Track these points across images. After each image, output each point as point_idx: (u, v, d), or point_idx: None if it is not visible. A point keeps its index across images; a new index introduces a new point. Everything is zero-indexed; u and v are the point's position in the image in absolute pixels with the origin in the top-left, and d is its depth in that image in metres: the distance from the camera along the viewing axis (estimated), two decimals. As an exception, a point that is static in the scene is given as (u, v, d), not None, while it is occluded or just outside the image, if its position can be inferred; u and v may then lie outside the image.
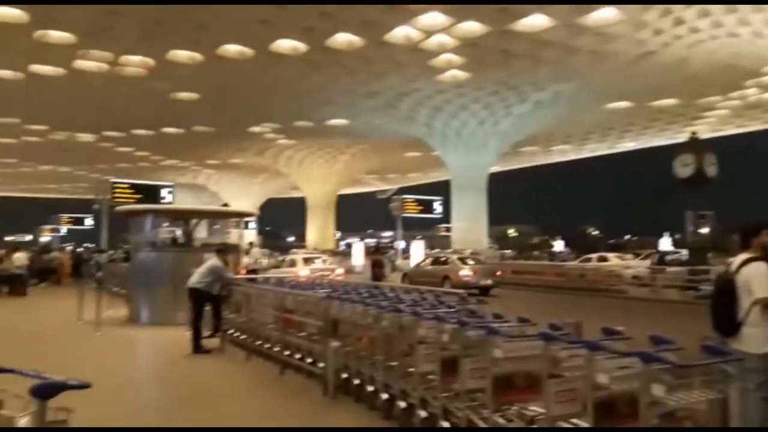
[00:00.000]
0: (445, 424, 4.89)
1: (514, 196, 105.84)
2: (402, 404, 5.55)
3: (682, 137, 27.37)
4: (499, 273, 22.19)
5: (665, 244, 38.82)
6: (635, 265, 25.38)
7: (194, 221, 14.55)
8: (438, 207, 31.09)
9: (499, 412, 4.68)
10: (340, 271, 21.96)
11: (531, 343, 4.35)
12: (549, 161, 48.17)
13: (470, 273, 20.28)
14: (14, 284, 19.72)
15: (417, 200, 29.76)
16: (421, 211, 30.69)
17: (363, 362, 6.41)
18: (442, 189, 37.74)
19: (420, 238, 36.67)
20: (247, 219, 16.65)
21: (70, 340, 6.03)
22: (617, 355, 3.59)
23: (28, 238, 70.02)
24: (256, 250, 23.25)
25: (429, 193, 34.08)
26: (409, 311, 5.55)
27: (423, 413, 5.21)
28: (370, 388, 6.17)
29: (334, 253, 34.42)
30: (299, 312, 8.00)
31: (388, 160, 43.83)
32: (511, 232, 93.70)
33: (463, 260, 21.63)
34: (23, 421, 2.55)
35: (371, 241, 70.90)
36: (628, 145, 42.50)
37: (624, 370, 3.50)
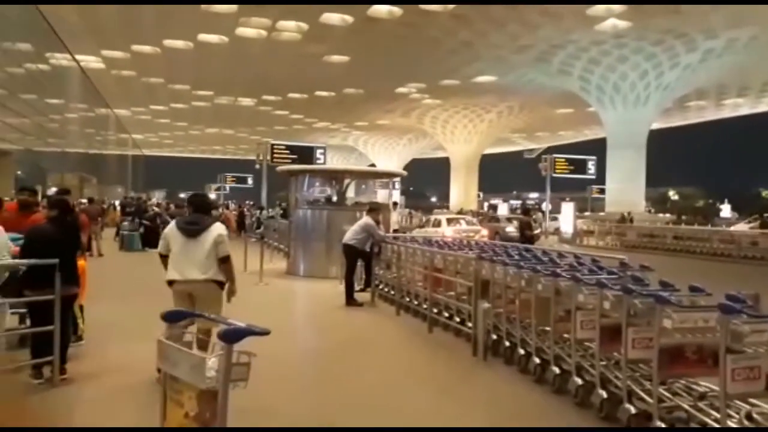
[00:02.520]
0: (602, 393, 4.75)
1: (677, 156, 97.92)
2: (556, 369, 5.46)
3: None
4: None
5: None
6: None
7: (347, 181, 15.05)
8: (591, 167, 29.47)
9: (664, 385, 4.47)
10: (484, 232, 21.78)
11: (705, 314, 4.05)
12: (719, 116, 43.73)
13: (513, 229, 22.03)
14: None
15: (568, 159, 28.41)
16: (572, 171, 29.29)
17: (514, 325, 6.36)
18: (595, 148, 35.79)
19: (569, 200, 35.26)
20: (394, 179, 16.91)
21: (238, 288, 6.61)
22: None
23: (197, 195, 77.22)
24: (398, 211, 23.80)
25: (580, 153, 32.37)
26: (567, 275, 5.36)
27: (578, 380, 5.09)
28: (522, 352, 6.13)
29: (478, 214, 34.15)
30: (448, 271, 8.08)
31: (536, 118, 42.29)
32: (672, 194, 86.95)
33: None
34: (212, 361, 2.82)
35: (515, 203, 69.35)
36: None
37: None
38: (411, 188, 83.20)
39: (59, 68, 26.43)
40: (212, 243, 5.46)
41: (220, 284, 5.50)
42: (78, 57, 27.98)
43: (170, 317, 3.25)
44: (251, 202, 46.79)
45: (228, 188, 41.34)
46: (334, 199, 14.80)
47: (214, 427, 2.78)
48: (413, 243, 10.64)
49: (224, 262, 5.50)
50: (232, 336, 2.74)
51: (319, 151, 24.93)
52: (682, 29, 24.04)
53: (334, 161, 53.53)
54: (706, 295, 4.41)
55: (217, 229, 5.58)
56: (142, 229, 19.16)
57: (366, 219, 10.69)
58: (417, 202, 67.64)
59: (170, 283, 5.45)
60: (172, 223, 5.74)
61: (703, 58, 26.19)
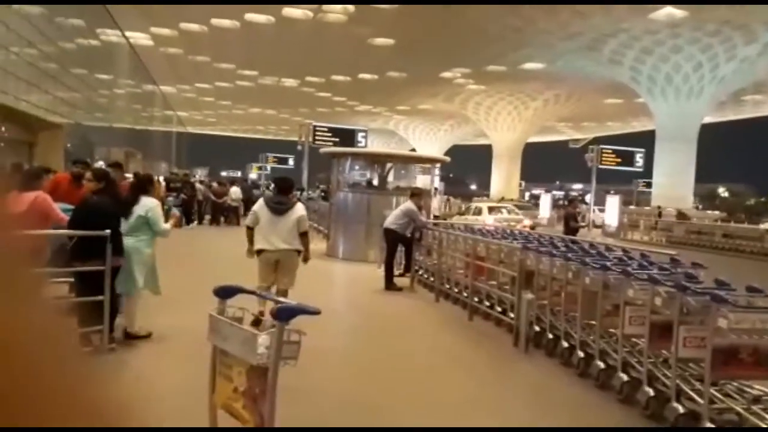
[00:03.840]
0: (649, 390, 4.67)
1: (728, 151, 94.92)
2: (600, 364, 5.39)
3: None
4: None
5: None
6: None
7: (389, 165, 15.09)
8: (639, 160, 28.77)
9: (716, 387, 4.37)
10: (526, 222, 21.54)
11: (763, 315, 3.94)
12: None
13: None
14: (230, 215, 22.28)
15: (616, 151, 27.76)
16: (618, 164, 28.63)
17: (558, 317, 6.30)
18: (642, 140, 34.90)
19: (614, 193, 34.55)
20: (436, 165, 16.81)
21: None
22: None
23: (238, 174, 78.31)
24: (438, 197, 23.70)
25: (626, 145, 31.62)
26: (616, 269, 5.27)
27: (624, 376, 5.02)
28: (565, 345, 6.06)
29: (519, 203, 33.83)
30: (491, 260, 8.05)
31: (584, 107, 41.47)
32: (721, 191, 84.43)
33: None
34: (263, 338, 2.86)
35: (558, 193, 68.37)
36: None
37: None
38: (450, 175, 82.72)
39: (109, 44, 26.98)
40: (295, 219, 6.83)
41: (298, 252, 6.90)
42: (127, 33, 28.54)
43: (223, 293, 3.30)
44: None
45: (269, 168, 41.73)
46: (375, 182, 14.84)
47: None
48: (455, 230, 10.64)
49: (304, 235, 6.92)
50: (285, 314, 2.78)
51: (360, 134, 24.91)
52: (742, 20, 23.17)
53: (374, 145, 53.52)
54: (764, 296, 4.28)
55: (300, 209, 6.93)
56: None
57: (408, 204, 10.70)
58: (456, 189, 67.22)
59: (258, 252, 6.80)
60: (261, 201, 7.07)
61: (763, 51, 25.23)
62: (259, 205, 7.04)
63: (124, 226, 6.00)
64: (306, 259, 6.97)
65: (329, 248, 14.49)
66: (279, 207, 6.88)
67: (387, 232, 10.54)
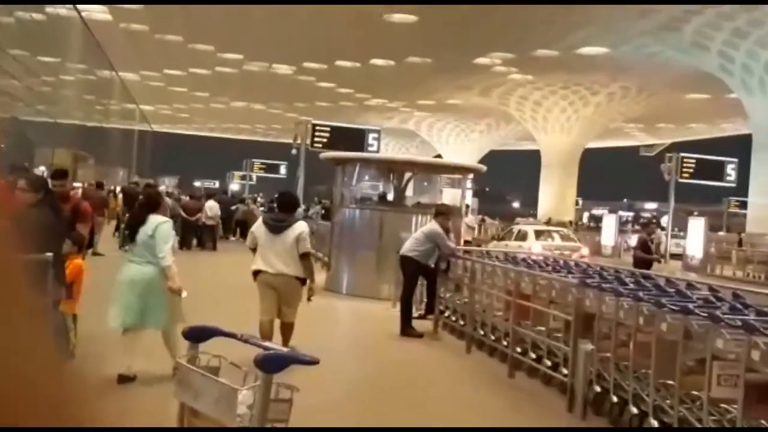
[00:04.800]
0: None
1: None
2: (680, 437, 5.33)
3: None
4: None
5: None
6: None
7: (408, 175, 15.14)
8: (731, 172, 28.65)
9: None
10: (585, 251, 21.47)
11: None
12: None
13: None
14: (204, 237, 22.28)
15: (700, 161, 27.67)
16: (704, 177, 28.52)
17: (626, 375, 6.26)
18: (734, 147, 34.82)
19: (697, 215, 34.38)
20: (468, 176, 16.90)
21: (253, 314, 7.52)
22: None
23: (215, 184, 78.99)
24: (471, 217, 23.75)
25: (714, 153, 31.50)
26: (702, 313, 5.23)
27: (712, 454, 4.97)
28: (634, 410, 6.01)
29: (576, 226, 33.80)
30: (539, 299, 8.06)
31: (659, 104, 41.37)
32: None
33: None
34: (245, 394, 2.86)
35: (626, 215, 68.14)
36: None
37: None
38: (486, 189, 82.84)
39: (56, 18, 27.24)
40: (294, 239, 7.63)
41: (302, 281, 7.73)
42: (80, 6, 28.88)
43: (194, 336, 3.31)
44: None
45: (255, 178, 42.10)
46: (390, 197, 14.92)
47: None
48: (492, 259, 10.63)
49: (305, 258, 7.73)
50: (273, 363, 2.78)
51: (372, 135, 25.16)
52: None
53: (389, 149, 53.77)
54: None
55: (300, 226, 7.84)
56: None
57: (432, 225, 10.74)
58: (494, 207, 67.40)
59: (255, 273, 7.73)
60: (260, 220, 8.19)
61: None
62: (258, 224, 8.12)
63: (135, 249, 6.68)
64: (311, 293, 7.82)
65: (330, 281, 14.51)
66: (277, 225, 7.77)
67: (405, 261, 10.54)
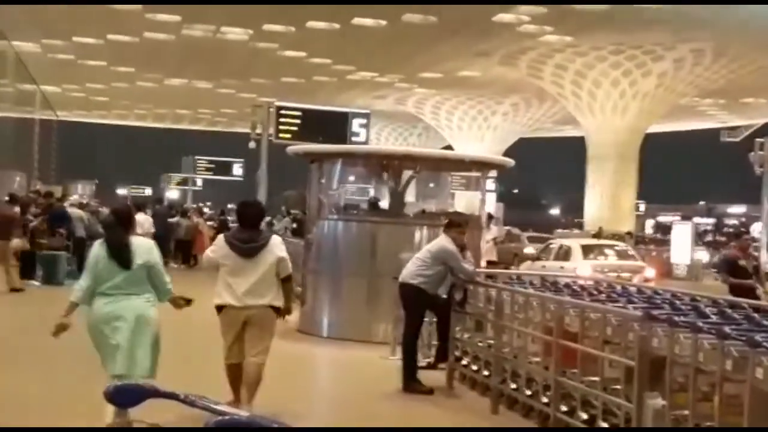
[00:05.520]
0: None
1: None
2: None
3: None
4: None
5: None
6: None
7: (408, 173, 15.09)
8: None
9: None
10: (650, 273, 21.45)
11: None
12: None
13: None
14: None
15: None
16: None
17: (710, 439, 6.24)
18: None
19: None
20: (490, 174, 16.89)
21: (215, 357, 8.25)
22: None
23: (146, 192, 78.74)
24: (494, 228, 23.52)
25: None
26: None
27: None
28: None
29: (637, 239, 33.78)
30: (589, 339, 8.07)
31: (744, 73, 41.47)
32: None
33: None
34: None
35: (704, 222, 68.04)
36: None
37: None
38: (515, 191, 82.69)
39: None
40: (273, 263, 8.20)
41: (277, 309, 8.30)
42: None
43: (120, 397, 3.29)
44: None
45: (200, 182, 41.77)
46: (385, 204, 14.86)
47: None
48: (524, 286, 10.55)
49: (287, 281, 8.43)
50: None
51: (358, 121, 25.18)
52: None
53: (382, 139, 53.57)
54: None
55: (277, 244, 8.38)
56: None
57: (442, 242, 10.72)
58: (525, 214, 67.12)
59: (218, 309, 8.23)
60: (221, 240, 8.56)
61: None
62: (220, 245, 8.53)
63: (118, 279, 7.00)
64: (287, 311, 8.60)
65: (305, 320, 14.57)
66: (249, 248, 8.22)
67: (407, 292, 10.51)
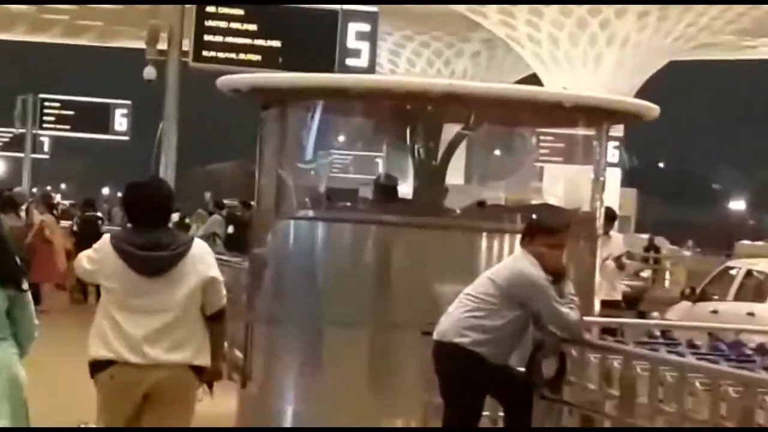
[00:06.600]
0: None
1: None
2: None
3: None
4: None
5: None
6: None
7: (454, 130, 11.13)
8: None
9: None
10: None
11: None
12: None
13: None
14: None
15: None
16: None
17: None
18: None
19: None
20: (611, 132, 12.78)
21: None
22: None
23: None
24: (618, 237, 18.00)
25: None
26: None
27: None
28: None
29: None
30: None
31: None
32: None
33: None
34: None
35: None
36: None
37: None
38: (661, 164, 65.30)
39: None
40: (195, 285, 5.47)
41: (198, 371, 5.66)
42: None
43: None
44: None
45: (47, 145, 33.68)
46: (407, 187, 10.99)
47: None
48: (675, 348, 8.10)
49: (216, 320, 5.67)
50: None
51: (356, 26, 16.98)
52: None
53: (403, 63, 39.76)
54: None
55: (202, 255, 5.63)
56: None
57: (519, 263, 7.55)
58: (681, 210, 54.42)
59: (97, 366, 5.45)
60: (106, 243, 5.61)
61: None
62: (103, 252, 5.50)
63: None
64: (216, 375, 5.69)
65: (247, 408, 10.62)
66: (153, 259, 5.33)
67: (449, 358, 7.50)
